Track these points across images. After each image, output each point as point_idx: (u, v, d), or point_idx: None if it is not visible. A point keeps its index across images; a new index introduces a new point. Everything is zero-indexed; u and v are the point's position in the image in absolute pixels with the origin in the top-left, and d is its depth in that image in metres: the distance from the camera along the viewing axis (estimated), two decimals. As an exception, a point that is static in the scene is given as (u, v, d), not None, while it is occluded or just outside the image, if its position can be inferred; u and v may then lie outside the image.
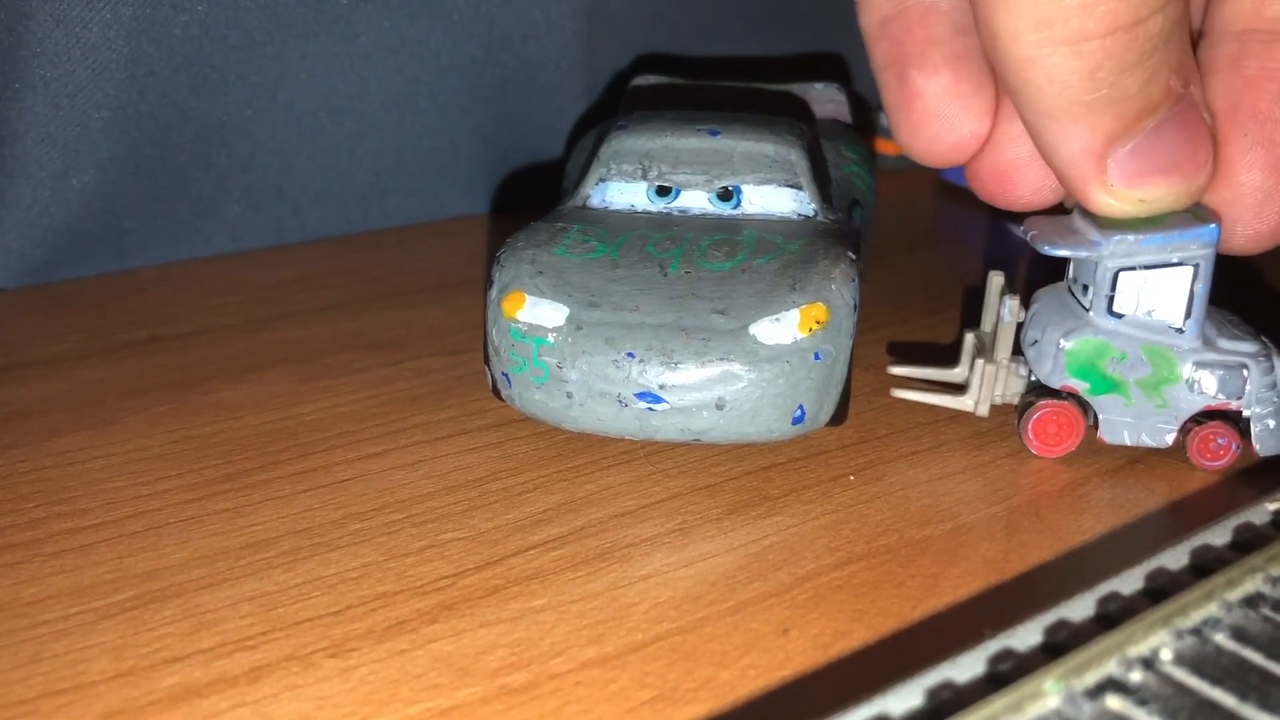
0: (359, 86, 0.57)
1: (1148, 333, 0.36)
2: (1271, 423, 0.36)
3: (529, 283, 0.36)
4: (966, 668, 0.25)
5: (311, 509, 0.34)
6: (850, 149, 0.49)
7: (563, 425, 0.36)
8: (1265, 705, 0.24)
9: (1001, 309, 0.38)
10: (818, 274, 0.36)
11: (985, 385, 0.39)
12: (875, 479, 0.36)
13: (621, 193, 0.41)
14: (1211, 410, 0.36)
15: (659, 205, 0.41)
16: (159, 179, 0.54)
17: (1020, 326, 0.39)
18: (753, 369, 0.34)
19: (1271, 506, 0.31)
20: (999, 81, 0.33)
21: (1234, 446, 0.36)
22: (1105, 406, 0.37)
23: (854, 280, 0.37)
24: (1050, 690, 0.24)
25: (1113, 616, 0.27)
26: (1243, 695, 0.25)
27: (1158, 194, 0.33)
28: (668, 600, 0.30)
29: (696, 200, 0.41)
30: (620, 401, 0.35)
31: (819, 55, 0.72)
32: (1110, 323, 0.36)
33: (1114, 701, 0.24)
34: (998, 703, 0.23)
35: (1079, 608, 0.27)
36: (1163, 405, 0.36)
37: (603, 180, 0.42)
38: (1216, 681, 0.25)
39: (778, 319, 0.35)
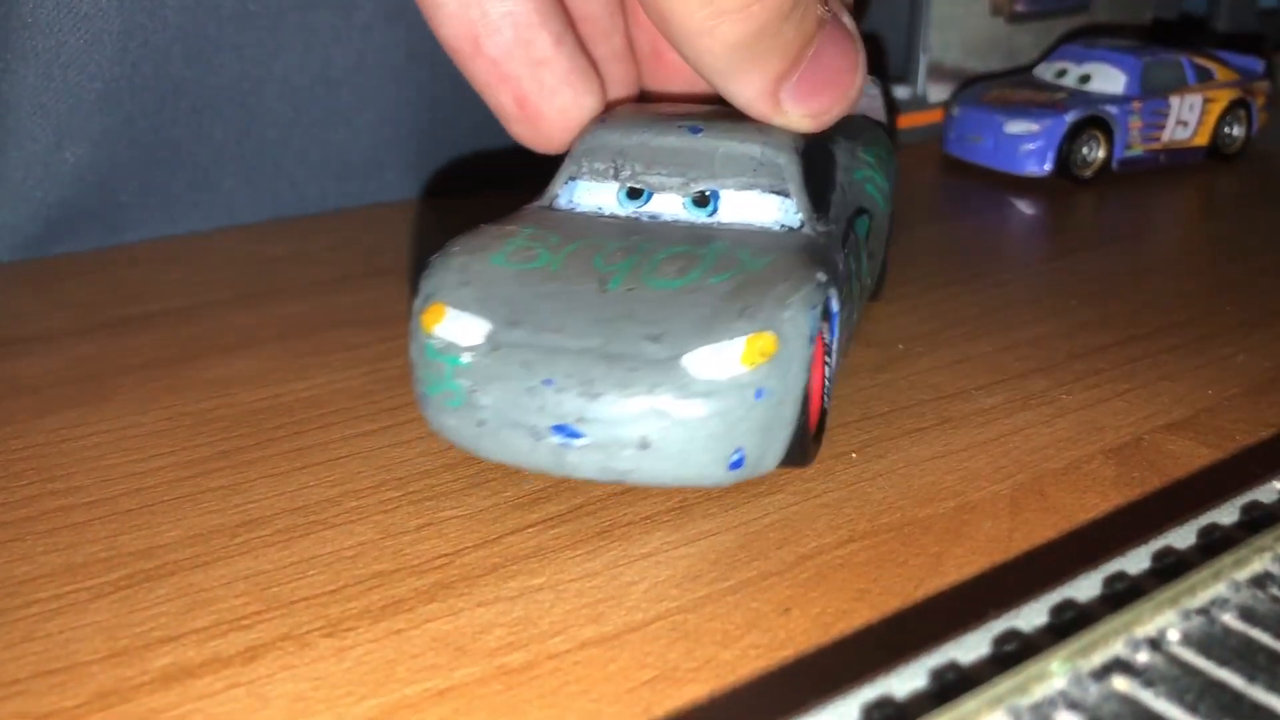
0: (356, 59, 0.57)
1: None
2: None
3: (452, 294, 0.33)
4: (971, 648, 0.25)
5: (307, 486, 0.34)
6: (868, 150, 0.45)
7: (477, 455, 0.32)
8: (1274, 686, 0.24)
9: None
10: (773, 299, 0.32)
11: None
12: (878, 456, 0.36)
13: (590, 193, 0.37)
14: None
15: (628, 209, 0.37)
16: (153, 152, 0.53)
17: None
18: (681, 405, 0.30)
19: (1280, 485, 0.31)
20: (676, 50, 0.36)
21: None
22: None
23: (816, 307, 0.32)
24: (1056, 671, 0.24)
25: (1119, 596, 0.27)
26: (1251, 676, 0.24)
27: (825, 107, 0.37)
28: (668, 579, 0.30)
29: (669, 205, 0.37)
30: (534, 434, 0.31)
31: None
32: None
33: (1121, 683, 0.24)
34: (1003, 684, 0.23)
35: (1085, 587, 0.27)
36: None
37: (573, 179, 0.38)
38: (1224, 662, 0.25)
39: (717, 349, 0.31)
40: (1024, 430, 0.38)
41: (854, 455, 0.36)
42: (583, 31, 0.40)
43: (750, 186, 0.36)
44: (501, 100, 0.38)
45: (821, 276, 0.33)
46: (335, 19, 0.56)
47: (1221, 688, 0.24)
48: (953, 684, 0.24)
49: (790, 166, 0.37)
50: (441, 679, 0.26)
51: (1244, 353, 0.44)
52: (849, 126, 0.47)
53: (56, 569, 0.30)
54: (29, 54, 0.48)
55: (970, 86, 0.74)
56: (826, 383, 0.35)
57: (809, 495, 0.34)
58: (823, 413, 0.35)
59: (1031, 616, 0.26)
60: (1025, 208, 0.65)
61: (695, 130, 0.37)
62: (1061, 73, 0.72)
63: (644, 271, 0.33)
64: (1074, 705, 0.23)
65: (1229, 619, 0.26)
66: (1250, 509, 0.30)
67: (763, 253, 0.34)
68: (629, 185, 0.37)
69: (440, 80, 0.59)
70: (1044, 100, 0.69)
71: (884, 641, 0.28)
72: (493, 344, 0.32)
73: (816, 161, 0.39)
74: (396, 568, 0.30)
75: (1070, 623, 0.25)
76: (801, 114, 0.37)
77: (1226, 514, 0.30)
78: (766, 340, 0.31)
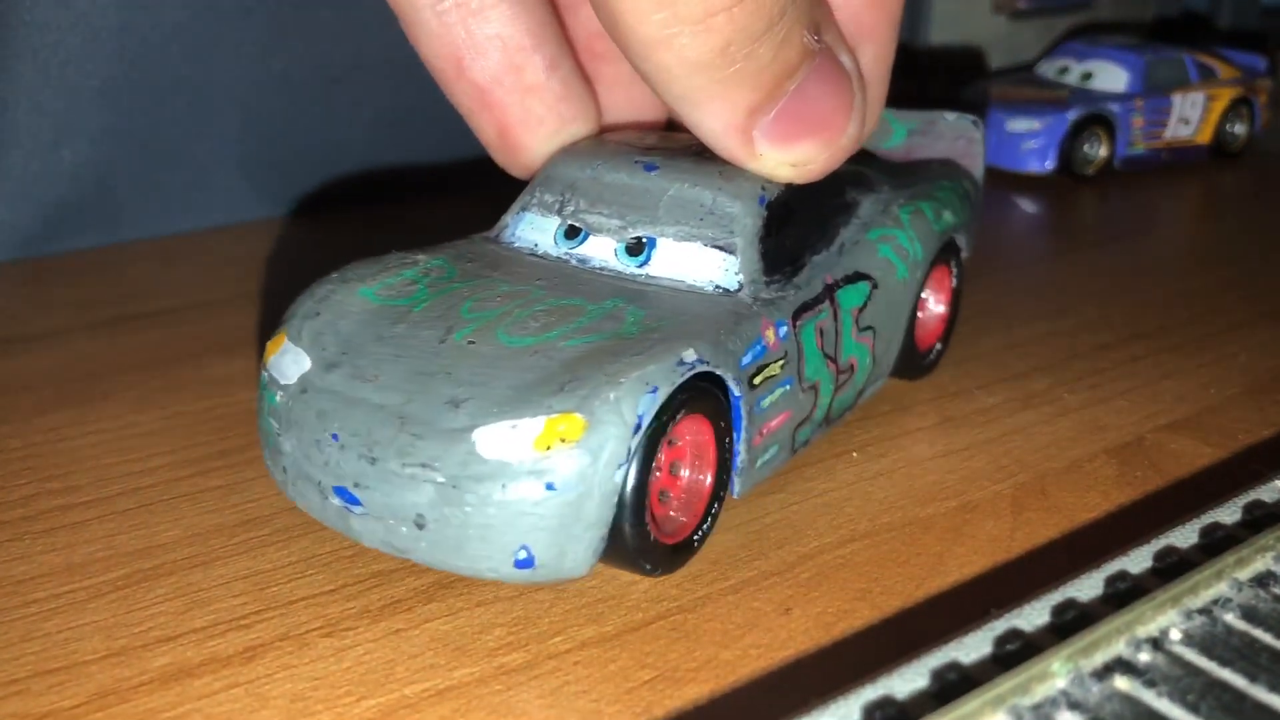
0: (356, 56, 0.57)
1: None
2: None
3: (297, 324, 0.31)
4: (972, 648, 0.24)
5: (306, 485, 0.34)
6: (909, 206, 0.38)
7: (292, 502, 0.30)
8: (1276, 686, 0.24)
9: None
10: (604, 375, 0.27)
11: None
12: (879, 455, 0.36)
13: (532, 228, 0.34)
14: None
15: (561, 249, 0.33)
16: (151, 149, 0.53)
17: None
18: (456, 486, 0.26)
19: (1282, 484, 0.31)
20: (632, 65, 0.30)
21: None
22: None
23: (656, 391, 0.27)
24: (1058, 671, 0.24)
25: (1121, 596, 0.26)
26: (1253, 676, 0.24)
27: (808, 154, 0.31)
28: (667, 578, 0.30)
29: (602, 249, 0.33)
30: (321, 492, 0.28)
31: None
32: None
33: (1122, 682, 0.24)
34: (1004, 684, 0.23)
35: (1087, 587, 0.27)
36: None
37: (524, 210, 0.35)
38: (1226, 662, 0.25)
39: (513, 426, 0.26)
40: (1026, 429, 0.38)
41: (855, 454, 0.36)
42: (593, 48, 0.37)
43: (691, 238, 0.32)
44: (483, 127, 0.35)
45: (690, 355, 0.28)
46: (335, 16, 0.55)
47: (1223, 688, 0.24)
48: (954, 684, 0.23)
49: (745, 218, 0.32)
50: (441, 679, 0.26)
51: (1246, 352, 0.44)
52: (912, 172, 0.41)
53: (55, 568, 0.30)
54: (26, 51, 0.48)
55: (972, 84, 0.74)
56: (720, 479, 0.30)
57: (809, 494, 0.34)
58: (708, 515, 0.30)
59: (1033, 616, 0.26)
60: (1027, 205, 0.64)
61: (650, 168, 0.33)
62: (1063, 70, 0.72)
63: (505, 324, 0.29)
64: (1075, 705, 0.23)
65: (1231, 618, 0.26)
66: (1252, 508, 0.30)
67: (659, 318, 0.30)
68: (569, 223, 0.34)
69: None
70: (1046, 98, 0.68)
71: (885, 641, 0.28)
72: (302, 385, 0.29)
73: (796, 214, 0.34)
74: (395, 567, 0.30)
75: (1072, 622, 0.25)
76: (779, 159, 0.31)
77: (1228, 513, 0.30)
78: (571, 423, 0.26)
